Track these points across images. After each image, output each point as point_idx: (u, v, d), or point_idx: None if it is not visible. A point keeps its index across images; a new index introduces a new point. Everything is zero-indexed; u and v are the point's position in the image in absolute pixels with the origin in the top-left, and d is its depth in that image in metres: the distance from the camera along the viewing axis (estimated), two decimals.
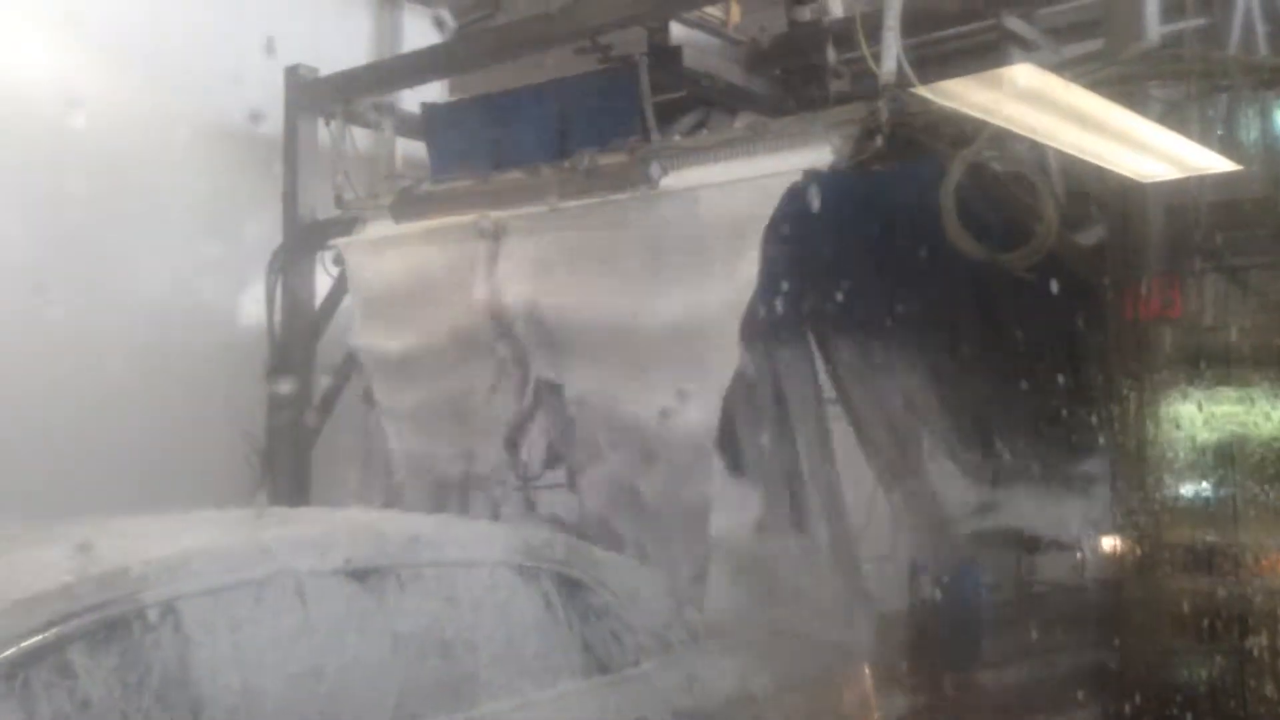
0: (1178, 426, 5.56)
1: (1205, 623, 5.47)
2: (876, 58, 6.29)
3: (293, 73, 8.90)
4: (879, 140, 6.18)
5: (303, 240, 8.94)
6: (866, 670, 5.37)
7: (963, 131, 5.75)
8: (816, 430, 7.33)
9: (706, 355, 6.45)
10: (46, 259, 7.96)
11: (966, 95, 4.94)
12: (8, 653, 3.10)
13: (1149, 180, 5.53)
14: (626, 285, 6.87)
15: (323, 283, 8.97)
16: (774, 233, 6.21)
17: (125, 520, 4.31)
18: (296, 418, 8.72)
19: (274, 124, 8.94)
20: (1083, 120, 5.03)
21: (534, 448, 7.64)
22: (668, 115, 7.68)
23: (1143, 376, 5.59)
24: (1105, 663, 5.78)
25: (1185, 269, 5.63)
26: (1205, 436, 5.66)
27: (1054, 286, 5.96)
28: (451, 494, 7.77)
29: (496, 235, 7.48)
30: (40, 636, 3.16)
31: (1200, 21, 6.11)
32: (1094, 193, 5.97)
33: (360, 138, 9.22)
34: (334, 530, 4.36)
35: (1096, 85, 5.14)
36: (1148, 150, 5.30)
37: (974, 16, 6.98)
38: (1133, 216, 5.71)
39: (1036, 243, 5.69)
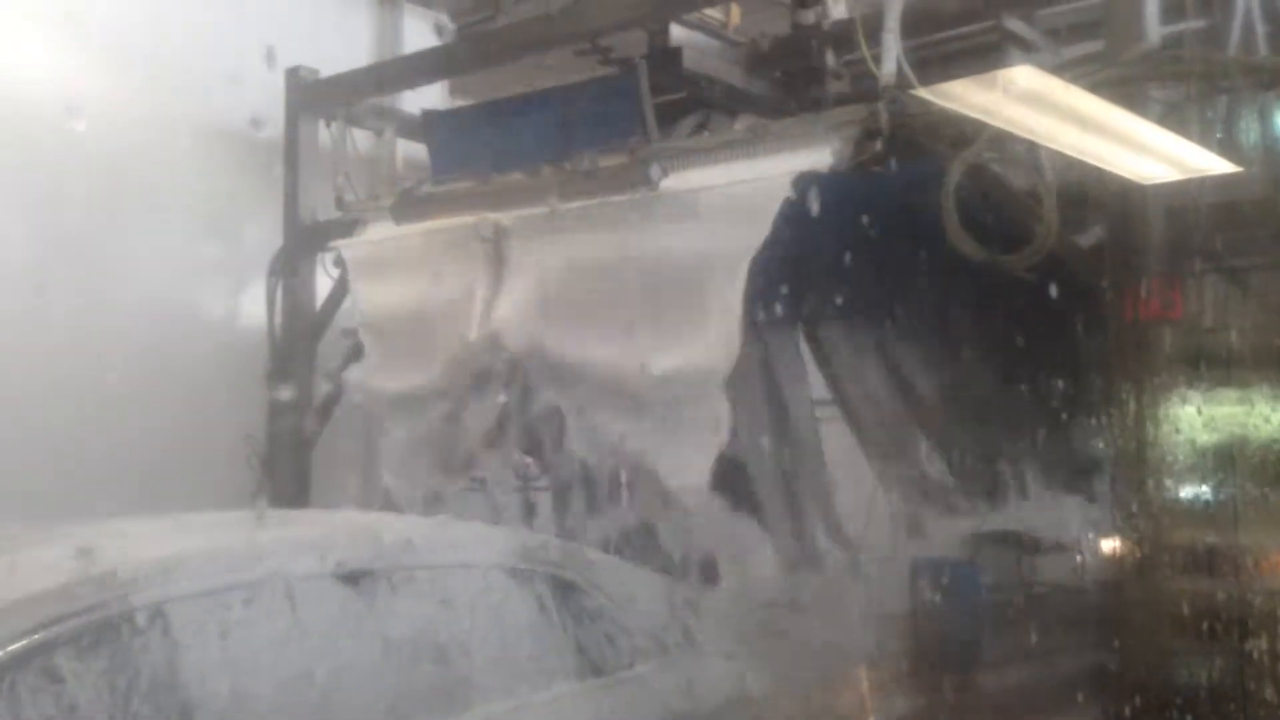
0: (1177, 429, 5.53)
1: (1206, 625, 5.46)
2: (877, 59, 6.27)
3: (293, 74, 8.89)
4: (879, 142, 6.17)
5: (303, 242, 8.92)
6: (863, 673, 5.35)
7: (963, 133, 5.73)
8: (809, 432, 7.33)
9: (707, 357, 6.43)
10: (47, 260, 7.96)
11: (966, 97, 4.93)
12: None
13: (1149, 182, 5.51)
14: (626, 287, 6.85)
15: (323, 284, 8.94)
16: (774, 234, 6.19)
17: (121, 522, 4.30)
18: (297, 421, 8.70)
19: (274, 125, 8.92)
20: (1083, 122, 5.01)
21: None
22: (669, 118, 7.66)
23: (1143, 378, 5.57)
24: (1106, 664, 5.75)
25: (1185, 270, 5.61)
26: (1205, 438, 5.63)
27: (1054, 287, 5.94)
28: (448, 495, 7.75)
29: (497, 238, 7.46)
30: (27, 640, 3.15)
31: (1200, 23, 6.09)
32: (1094, 194, 5.94)
33: (361, 139, 9.21)
34: (326, 533, 4.36)
35: (1097, 87, 5.12)
36: (1148, 152, 5.29)
37: (974, 18, 6.96)
38: (1133, 218, 5.69)
39: (1037, 244, 5.67)
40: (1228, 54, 6.02)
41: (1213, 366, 5.60)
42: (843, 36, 7.18)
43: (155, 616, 3.37)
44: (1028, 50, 6.79)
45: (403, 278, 8.12)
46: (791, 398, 7.35)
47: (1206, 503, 5.72)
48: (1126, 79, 5.44)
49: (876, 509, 7.99)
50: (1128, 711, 5.44)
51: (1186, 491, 5.66)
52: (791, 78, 7.67)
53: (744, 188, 6.47)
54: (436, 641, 4.01)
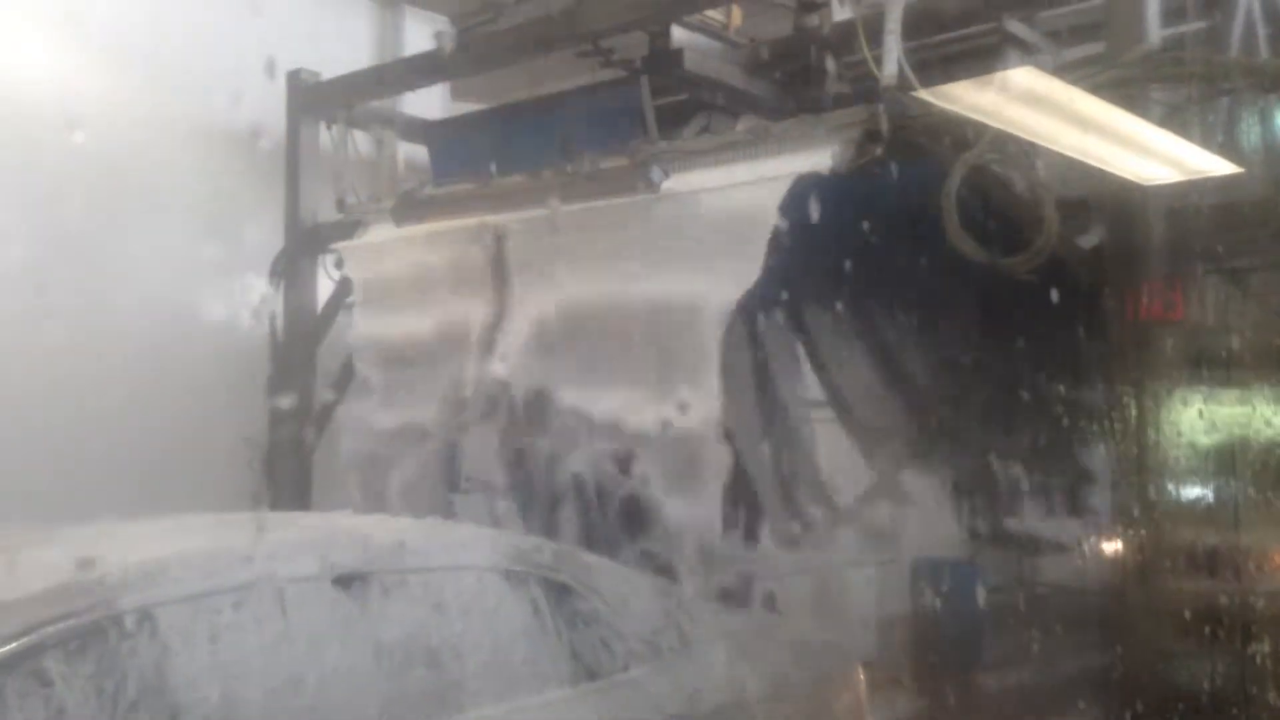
0: (1178, 430, 5.52)
1: (1207, 626, 5.45)
2: (878, 61, 6.26)
3: (294, 77, 8.89)
4: (880, 143, 6.15)
5: (304, 244, 8.92)
6: (860, 675, 5.32)
7: (964, 134, 5.72)
8: (803, 431, 7.32)
9: (707, 360, 6.41)
10: (47, 260, 7.95)
11: (967, 98, 4.93)
12: None
13: (1150, 183, 5.49)
14: (627, 290, 6.84)
15: (324, 286, 8.93)
16: (775, 235, 6.17)
17: (115, 524, 4.27)
18: (297, 425, 8.68)
19: (275, 127, 8.91)
20: (1084, 123, 5.01)
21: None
22: (671, 120, 7.65)
23: (1143, 379, 5.55)
24: (1108, 665, 5.74)
25: (1186, 272, 5.60)
26: (1205, 440, 5.62)
27: (1054, 288, 5.92)
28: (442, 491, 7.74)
29: (498, 240, 7.45)
30: (15, 644, 3.13)
31: (1201, 24, 6.08)
32: (1094, 196, 5.93)
33: (362, 141, 9.19)
34: (317, 536, 4.33)
35: (1097, 88, 5.12)
36: (1149, 153, 5.27)
37: (975, 19, 6.95)
38: (1134, 219, 5.68)
39: (1038, 245, 5.65)
40: (1228, 56, 6.01)
41: (1213, 368, 5.59)
42: (843, 38, 7.16)
43: (144, 620, 3.35)
44: (1028, 52, 6.78)
45: (404, 279, 8.11)
46: (786, 392, 7.34)
47: (1206, 503, 5.71)
48: (1127, 81, 5.43)
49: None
50: (1128, 714, 5.42)
51: (1187, 492, 5.66)
52: (792, 79, 7.66)
53: (745, 189, 6.45)
54: (429, 645, 3.97)
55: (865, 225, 6.57)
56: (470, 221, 7.59)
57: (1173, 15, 5.86)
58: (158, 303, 8.65)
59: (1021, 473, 8.28)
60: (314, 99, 9.00)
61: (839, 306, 7.52)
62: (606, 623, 4.49)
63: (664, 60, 7.30)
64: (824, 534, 7.32)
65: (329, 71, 8.92)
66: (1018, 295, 6.21)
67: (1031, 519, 8.46)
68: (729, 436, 6.68)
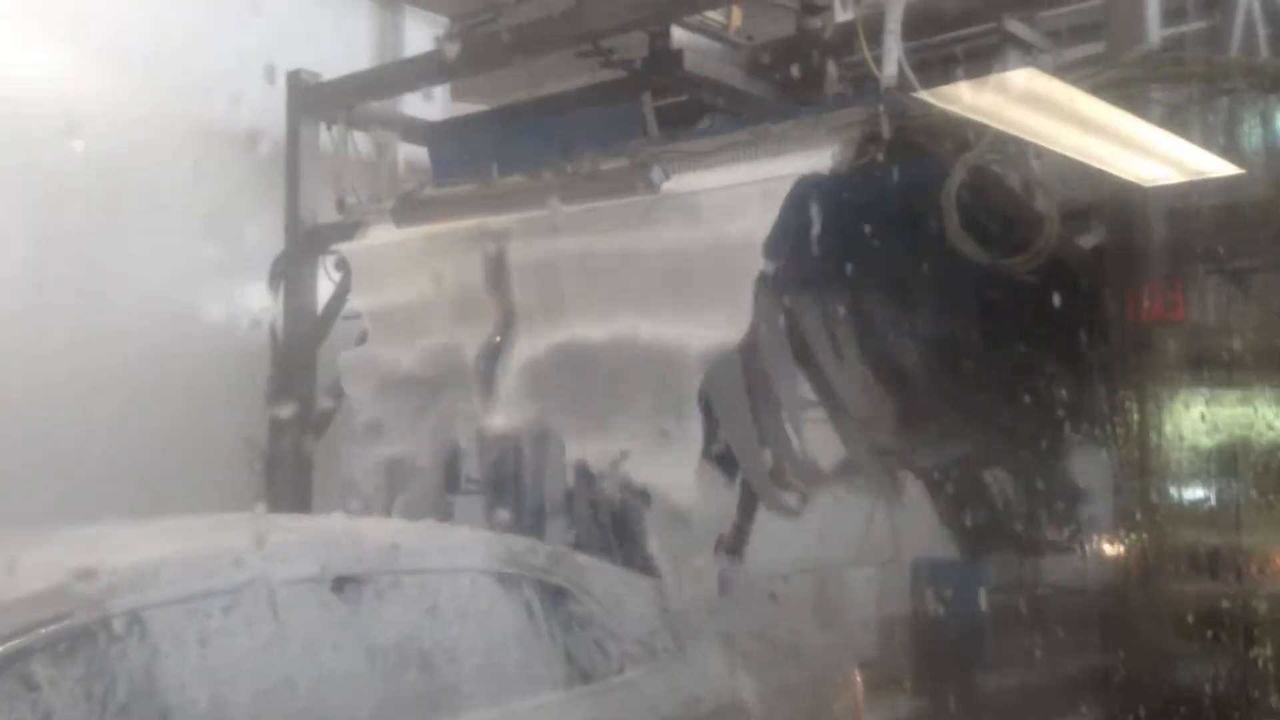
0: (1179, 431, 5.50)
1: (1209, 629, 5.44)
2: (878, 61, 6.24)
3: (294, 77, 8.87)
4: (880, 144, 6.13)
5: (305, 245, 8.90)
6: (857, 675, 5.31)
7: (964, 135, 5.70)
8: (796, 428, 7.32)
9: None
10: (47, 260, 7.94)
11: (967, 99, 4.92)
12: None
13: (1150, 184, 5.47)
14: (627, 291, 6.82)
15: (324, 287, 8.92)
16: (775, 236, 6.16)
17: (109, 526, 4.26)
18: (299, 429, 8.67)
19: (275, 128, 8.91)
20: (1084, 124, 5.00)
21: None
22: (672, 122, 7.63)
23: (1144, 380, 5.54)
24: (1109, 667, 5.72)
25: (1187, 273, 5.58)
26: (1207, 441, 5.61)
27: (1054, 289, 5.91)
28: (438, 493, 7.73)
29: (498, 242, 7.44)
30: (2, 647, 3.11)
31: (1201, 24, 6.07)
32: (1094, 196, 5.92)
33: (362, 142, 9.18)
34: (310, 538, 4.31)
35: (1098, 89, 5.10)
36: (1149, 154, 5.26)
37: (975, 20, 6.94)
38: (1134, 220, 5.66)
39: (1038, 246, 5.63)
40: (1229, 56, 5.99)
41: (1214, 368, 5.57)
42: (844, 39, 7.15)
43: (134, 623, 3.34)
44: (1029, 52, 6.76)
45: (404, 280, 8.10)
46: (784, 399, 7.33)
47: (1208, 504, 5.70)
48: (1127, 81, 5.41)
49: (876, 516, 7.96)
50: (1129, 716, 5.41)
51: (1188, 494, 5.65)
52: (792, 80, 7.64)
53: (746, 190, 6.43)
54: (422, 648, 3.97)
55: (865, 226, 6.56)
56: (470, 222, 7.57)
57: (1173, 15, 5.84)
58: (158, 303, 8.64)
59: (1021, 474, 8.26)
60: (314, 100, 8.98)
61: (838, 307, 7.48)
62: (601, 625, 4.48)
63: (664, 61, 7.30)
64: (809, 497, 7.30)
65: (329, 72, 8.90)
66: (1018, 296, 6.20)
67: (1031, 520, 8.44)
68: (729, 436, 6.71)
